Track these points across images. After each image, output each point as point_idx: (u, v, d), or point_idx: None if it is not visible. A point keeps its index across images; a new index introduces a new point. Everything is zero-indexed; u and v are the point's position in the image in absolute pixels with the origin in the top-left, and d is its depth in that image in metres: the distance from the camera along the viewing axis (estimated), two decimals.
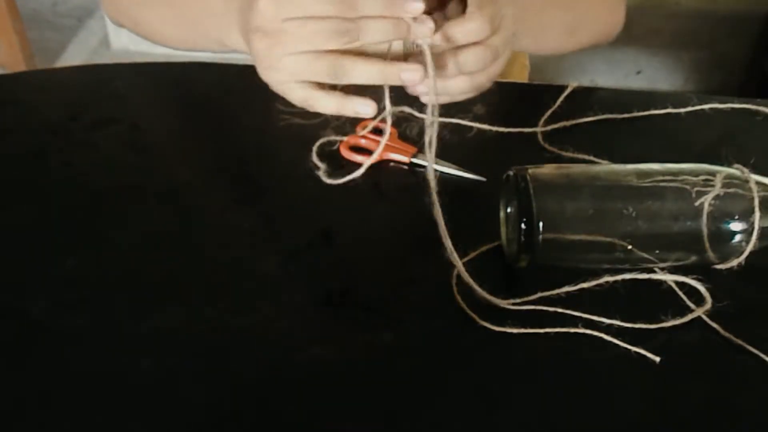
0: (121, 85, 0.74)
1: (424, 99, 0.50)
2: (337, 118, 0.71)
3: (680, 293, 0.53)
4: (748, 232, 0.51)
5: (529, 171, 0.52)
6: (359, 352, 0.50)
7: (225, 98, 0.74)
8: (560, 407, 0.47)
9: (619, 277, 0.52)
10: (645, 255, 0.52)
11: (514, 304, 0.52)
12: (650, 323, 0.51)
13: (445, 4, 0.55)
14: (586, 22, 0.72)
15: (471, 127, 0.69)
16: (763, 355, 0.50)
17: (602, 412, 0.47)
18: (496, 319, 0.52)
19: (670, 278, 0.52)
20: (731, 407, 0.47)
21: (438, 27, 0.50)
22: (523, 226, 0.50)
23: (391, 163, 0.66)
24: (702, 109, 0.73)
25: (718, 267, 0.53)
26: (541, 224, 0.50)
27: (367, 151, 0.66)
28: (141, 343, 0.50)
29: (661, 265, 0.53)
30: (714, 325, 0.51)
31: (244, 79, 0.77)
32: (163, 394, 0.47)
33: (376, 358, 0.49)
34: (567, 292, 0.52)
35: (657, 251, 0.52)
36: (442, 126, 0.70)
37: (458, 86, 0.52)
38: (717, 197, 0.51)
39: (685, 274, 0.52)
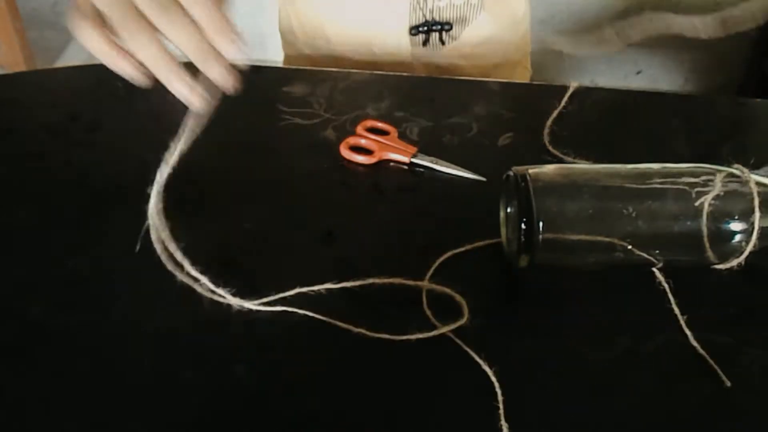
0: (121, 85, 0.74)
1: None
2: (338, 117, 0.71)
3: (670, 295, 0.53)
4: (748, 232, 0.51)
5: (529, 171, 0.52)
6: (359, 351, 0.50)
7: (225, 98, 0.74)
8: (560, 407, 0.47)
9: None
10: (645, 255, 0.52)
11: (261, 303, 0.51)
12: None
13: None
14: None
15: (471, 127, 0.69)
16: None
17: (602, 412, 0.47)
18: (494, 318, 0.52)
19: None
20: (731, 407, 0.47)
21: None
22: (523, 226, 0.50)
23: (391, 163, 0.66)
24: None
25: (718, 267, 0.53)
26: (541, 224, 0.50)
27: (367, 151, 0.66)
28: (141, 343, 0.50)
29: (661, 265, 0.53)
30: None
31: (244, 79, 0.77)
32: (163, 394, 0.47)
33: (376, 358, 0.49)
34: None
35: (657, 251, 0.52)
36: (443, 126, 0.70)
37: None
38: (717, 197, 0.51)
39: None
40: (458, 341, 0.50)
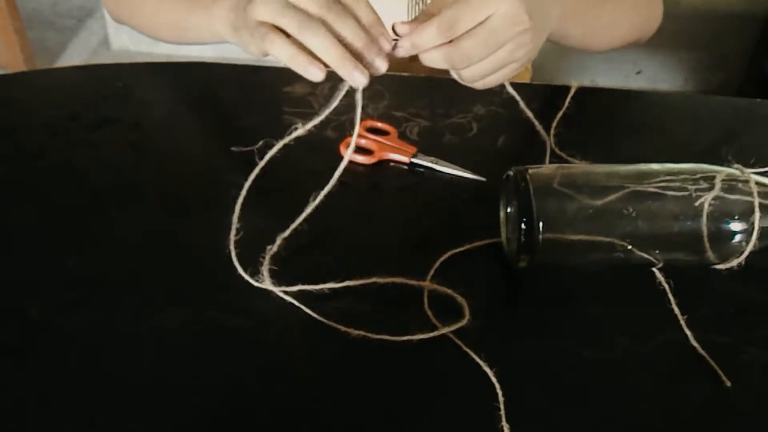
0: (121, 85, 0.74)
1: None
2: (338, 117, 0.71)
3: (670, 295, 0.53)
4: (748, 232, 0.51)
5: (529, 171, 0.52)
6: (359, 351, 0.50)
7: (225, 98, 0.74)
8: (560, 407, 0.47)
9: None
10: (645, 255, 0.52)
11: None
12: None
13: None
14: (628, 17, 0.73)
15: (471, 127, 0.69)
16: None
17: (602, 412, 0.47)
18: (494, 318, 0.52)
19: None
20: (731, 407, 0.47)
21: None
22: (523, 226, 0.50)
23: (391, 163, 0.66)
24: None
25: (718, 267, 0.53)
26: (541, 224, 0.50)
27: (367, 151, 0.66)
28: (141, 343, 0.50)
29: (661, 264, 0.53)
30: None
31: (244, 79, 0.77)
32: (163, 394, 0.47)
33: (376, 358, 0.49)
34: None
35: (657, 251, 0.52)
36: (443, 126, 0.70)
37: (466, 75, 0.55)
38: (717, 197, 0.51)
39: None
40: (458, 342, 0.50)
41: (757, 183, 0.51)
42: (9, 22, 1.81)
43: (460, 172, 0.64)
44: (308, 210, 0.55)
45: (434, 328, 0.50)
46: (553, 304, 0.54)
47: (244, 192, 0.56)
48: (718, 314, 0.53)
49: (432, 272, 0.54)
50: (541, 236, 0.50)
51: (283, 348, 0.50)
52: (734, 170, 0.53)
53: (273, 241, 0.56)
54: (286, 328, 0.51)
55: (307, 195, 0.63)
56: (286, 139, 0.55)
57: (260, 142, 0.54)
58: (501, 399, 0.46)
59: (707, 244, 0.51)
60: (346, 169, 0.65)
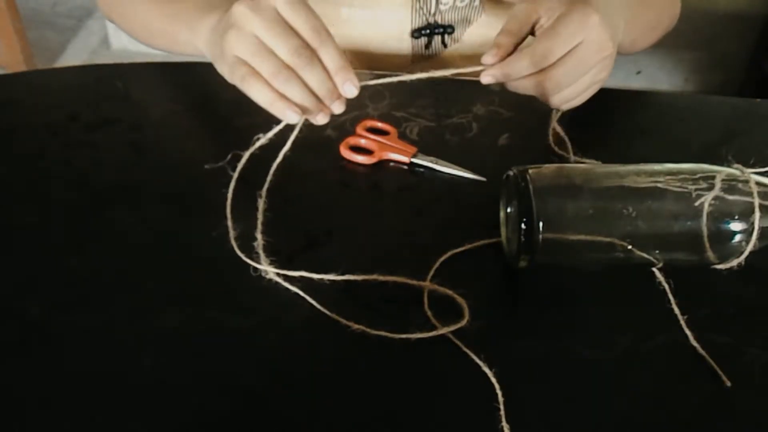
0: (121, 85, 0.74)
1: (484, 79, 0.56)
2: (338, 117, 0.71)
3: (670, 295, 0.53)
4: (748, 232, 0.51)
5: (529, 171, 0.52)
6: (359, 351, 0.50)
7: (225, 98, 0.74)
8: (560, 407, 0.47)
9: None
10: (645, 255, 0.52)
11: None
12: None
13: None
14: (662, 17, 0.75)
15: (471, 127, 0.69)
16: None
17: (602, 412, 0.47)
18: (494, 319, 0.52)
19: None
20: (731, 407, 0.47)
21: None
22: (523, 226, 0.50)
23: (391, 163, 0.66)
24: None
25: (718, 267, 0.53)
26: (541, 224, 0.50)
27: (367, 151, 0.66)
28: (141, 343, 0.50)
29: (661, 264, 0.53)
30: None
31: None
32: (163, 394, 0.47)
33: (376, 357, 0.49)
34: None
35: (657, 251, 0.52)
36: (443, 126, 0.70)
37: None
38: (717, 197, 0.51)
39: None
40: (458, 342, 0.50)
41: (757, 183, 0.51)
42: (9, 22, 1.81)
43: (460, 172, 0.64)
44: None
45: (434, 328, 0.50)
46: (553, 304, 0.54)
47: (230, 196, 0.57)
48: (718, 314, 0.53)
49: (432, 272, 0.54)
50: (541, 236, 0.50)
51: (283, 348, 0.50)
52: (734, 170, 0.53)
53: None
54: (286, 328, 0.51)
55: (307, 195, 0.63)
56: (252, 149, 0.57)
57: (228, 156, 0.56)
58: (501, 399, 0.46)
59: (707, 244, 0.51)
60: (346, 169, 0.66)
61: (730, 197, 0.51)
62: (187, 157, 0.66)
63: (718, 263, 0.53)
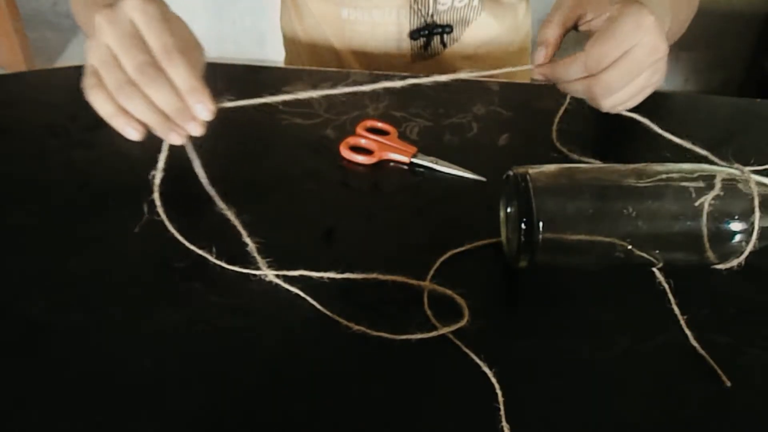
0: None
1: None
2: (338, 117, 0.71)
3: (670, 295, 0.53)
4: (748, 232, 0.51)
5: (529, 171, 0.52)
6: (359, 351, 0.50)
7: (225, 98, 0.74)
8: (560, 407, 0.47)
9: None
10: (645, 255, 0.52)
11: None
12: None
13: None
14: (690, 13, 0.74)
15: (471, 127, 0.69)
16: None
17: (602, 412, 0.47)
18: (494, 319, 0.52)
19: None
20: (731, 407, 0.47)
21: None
22: (523, 226, 0.50)
23: (391, 163, 0.66)
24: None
25: (718, 267, 0.53)
26: (541, 224, 0.50)
27: (367, 151, 0.66)
28: (141, 343, 0.50)
29: (661, 264, 0.53)
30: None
31: (244, 79, 0.77)
32: (163, 393, 0.47)
33: (375, 357, 0.49)
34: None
35: (657, 251, 0.52)
36: (443, 126, 0.70)
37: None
38: (717, 197, 0.51)
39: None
40: (458, 342, 0.50)
41: (757, 183, 0.51)
42: (9, 22, 1.81)
43: (460, 172, 0.64)
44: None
45: (434, 328, 0.50)
46: (553, 304, 0.54)
47: (158, 204, 0.57)
48: (718, 314, 0.53)
49: (432, 272, 0.54)
50: (541, 236, 0.50)
51: (283, 348, 0.50)
52: (734, 170, 0.53)
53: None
54: (286, 328, 0.51)
55: (307, 195, 0.63)
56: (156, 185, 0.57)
57: (151, 173, 0.56)
58: (501, 399, 0.46)
59: (707, 244, 0.51)
60: (346, 169, 0.66)
61: (730, 197, 0.51)
62: (187, 157, 0.66)
63: (718, 263, 0.53)
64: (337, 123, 0.69)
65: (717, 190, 0.51)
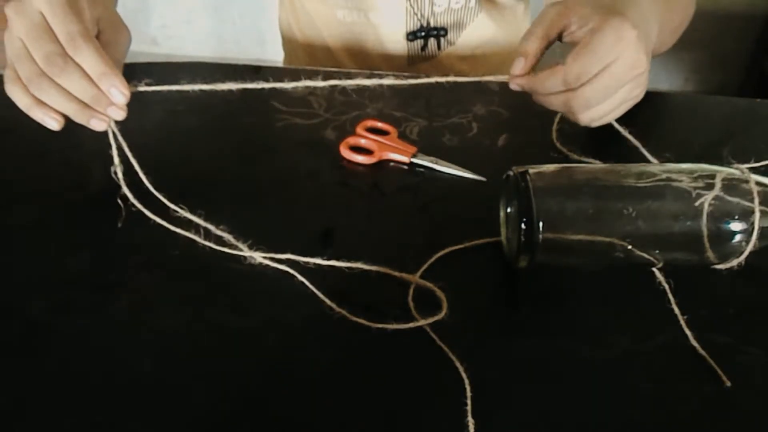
0: None
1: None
2: (338, 117, 0.71)
3: (670, 295, 0.53)
4: (748, 232, 0.51)
5: (529, 171, 0.52)
6: (359, 351, 0.50)
7: (225, 98, 0.74)
8: (560, 407, 0.47)
9: None
10: (645, 255, 0.52)
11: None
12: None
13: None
14: (684, 19, 0.73)
15: (471, 127, 0.69)
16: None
17: (602, 412, 0.47)
18: (493, 318, 0.52)
19: None
20: (731, 407, 0.47)
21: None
22: (523, 226, 0.50)
23: (391, 163, 0.66)
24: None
25: (718, 267, 0.53)
26: (541, 224, 0.50)
27: (367, 151, 0.66)
28: (141, 343, 0.50)
29: (661, 265, 0.53)
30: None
31: (244, 79, 0.77)
32: (163, 394, 0.47)
33: (375, 357, 0.49)
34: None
35: (657, 251, 0.52)
36: (443, 126, 0.70)
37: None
38: (717, 197, 0.51)
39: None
40: (433, 335, 0.50)
41: (757, 183, 0.51)
42: None
43: (460, 172, 0.64)
44: None
45: (433, 327, 0.50)
46: (553, 304, 0.54)
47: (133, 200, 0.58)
48: (718, 314, 0.53)
49: (426, 266, 0.54)
50: (541, 236, 0.50)
51: (282, 348, 0.50)
52: (734, 170, 0.53)
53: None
54: (286, 328, 0.51)
55: (306, 195, 0.63)
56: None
57: (112, 169, 0.58)
58: (469, 394, 0.46)
59: (707, 244, 0.51)
60: (346, 169, 0.66)
61: (730, 197, 0.51)
62: (186, 157, 0.66)
63: (718, 263, 0.53)
64: (337, 123, 0.69)
65: (717, 190, 0.51)
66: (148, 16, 2.12)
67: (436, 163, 0.65)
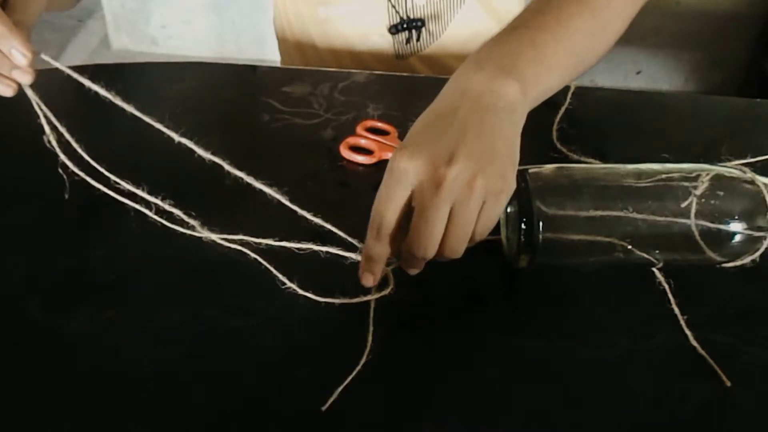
0: (122, 85, 0.73)
1: None
2: (338, 117, 0.71)
3: (670, 295, 0.53)
4: (749, 233, 0.51)
5: (529, 171, 0.52)
6: (359, 352, 0.50)
7: (225, 98, 0.74)
8: (560, 407, 0.47)
9: None
10: (645, 255, 0.52)
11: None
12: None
13: None
14: (605, 39, 0.60)
15: None
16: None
17: (602, 412, 0.47)
18: (493, 318, 0.52)
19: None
20: (731, 407, 0.47)
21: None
22: (523, 226, 0.50)
23: None
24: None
25: (727, 266, 0.53)
26: (541, 224, 0.50)
27: (367, 151, 0.66)
28: (141, 343, 0.50)
29: (661, 264, 0.53)
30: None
31: (244, 79, 0.78)
32: (163, 394, 0.47)
33: (376, 357, 0.49)
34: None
35: (657, 251, 0.52)
36: None
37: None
38: (717, 197, 0.51)
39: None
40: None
41: (765, 184, 0.51)
42: None
43: None
44: None
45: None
46: (552, 304, 0.54)
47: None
48: (718, 314, 0.53)
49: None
50: (541, 236, 0.50)
51: (282, 348, 0.50)
52: (734, 170, 0.53)
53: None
54: (285, 328, 0.51)
55: (306, 195, 0.63)
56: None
57: (45, 138, 0.57)
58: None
59: (707, 244, 0.51)
60: (346, 169, 0.66)
61: (731, 197, 0.51)
62: (186, 157, 0.66)
63: (719, 263, 0.53)
64: (337, 123, 0.69)
65: (717, 189, 0.51)
66: (148, 16, 2.12)
67: None
